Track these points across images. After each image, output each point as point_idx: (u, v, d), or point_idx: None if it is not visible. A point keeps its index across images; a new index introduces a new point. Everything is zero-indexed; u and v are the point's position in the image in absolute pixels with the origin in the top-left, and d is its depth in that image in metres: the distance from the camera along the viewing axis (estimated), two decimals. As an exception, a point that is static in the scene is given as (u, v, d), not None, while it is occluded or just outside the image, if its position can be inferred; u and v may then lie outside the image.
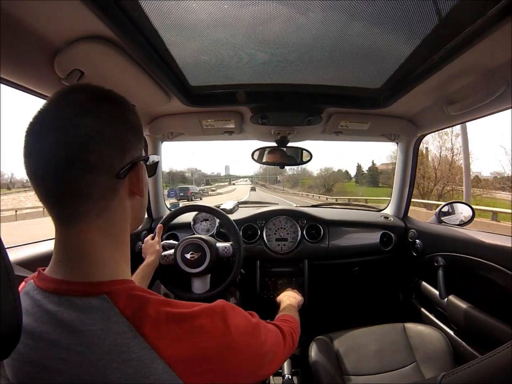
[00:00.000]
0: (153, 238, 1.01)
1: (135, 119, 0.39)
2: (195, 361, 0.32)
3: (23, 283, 0.40)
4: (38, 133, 0.34)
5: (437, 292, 1.13)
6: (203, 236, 1.06)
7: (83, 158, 0.33)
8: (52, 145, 0.33)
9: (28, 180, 0.35)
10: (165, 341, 0.32)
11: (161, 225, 1.04)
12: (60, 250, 0.36)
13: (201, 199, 23.83)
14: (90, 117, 0.34)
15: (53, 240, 0.36)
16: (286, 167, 1.43)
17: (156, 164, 0.49)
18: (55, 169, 0.33)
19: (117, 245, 0.38)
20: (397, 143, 1.47)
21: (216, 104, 1.05)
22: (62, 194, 0.34)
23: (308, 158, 1.39)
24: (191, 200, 20.23)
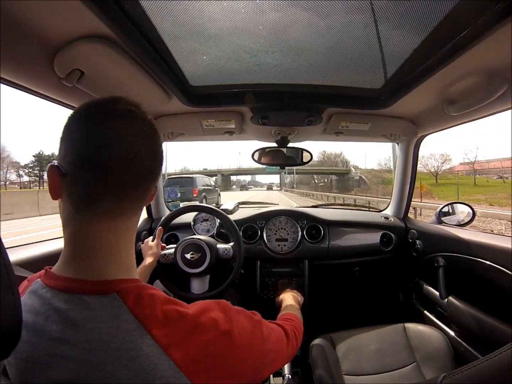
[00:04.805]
0: (153, 240, 1.01)
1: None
2: (199, 358, 0.33)
3: (26, 282, 0.40)
4: (102, 123, 0.36)
5: (437, 293, 1.13)
6: (203, 237, 1.06)
7: (141, 165, 0.38)
8: (116, 145, 0.36)
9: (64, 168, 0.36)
10: (171, 339, 0.32)
11: (161, 227, 1.04)
12: (74, 246, 0.37)
13: (218, 203, 10.56)
14: (150, 140, 0.40)
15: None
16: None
17: None
18: (120, 165, 0.36)
19: (128, 246, 0.41)
20: (398, 144, 1.47)
21: (216, 104, 1.05)
22: (112, 188, 0.36)
23: (309, 159, 1.39)
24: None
